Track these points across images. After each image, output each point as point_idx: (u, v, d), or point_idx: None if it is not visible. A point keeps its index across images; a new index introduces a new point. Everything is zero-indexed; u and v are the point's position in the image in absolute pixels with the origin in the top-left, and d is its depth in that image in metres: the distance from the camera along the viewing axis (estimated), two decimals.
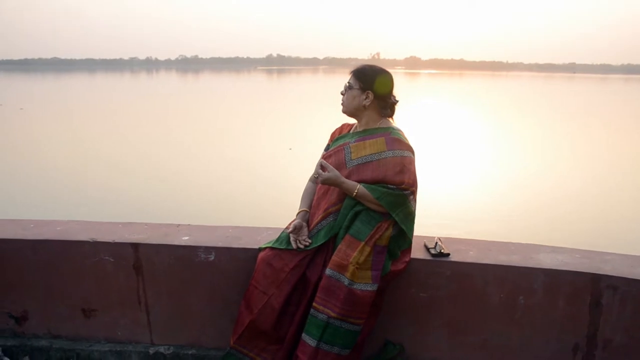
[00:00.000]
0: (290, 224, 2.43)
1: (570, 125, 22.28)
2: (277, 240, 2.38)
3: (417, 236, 2.44)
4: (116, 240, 2.58)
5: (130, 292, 2.62)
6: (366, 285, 2.15)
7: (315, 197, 2.41)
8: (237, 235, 2.64)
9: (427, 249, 2.47)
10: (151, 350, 2.67)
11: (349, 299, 2.12)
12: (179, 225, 2.80)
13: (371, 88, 2.29)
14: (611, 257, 2.42)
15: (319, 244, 2.27)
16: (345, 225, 2.23)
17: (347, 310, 2.13)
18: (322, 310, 2.15)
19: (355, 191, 2.19)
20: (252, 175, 11.47)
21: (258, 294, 2.30)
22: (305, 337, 2.19)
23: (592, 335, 2.31)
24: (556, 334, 2.35)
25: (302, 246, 2.27)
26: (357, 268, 2.14)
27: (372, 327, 2.30)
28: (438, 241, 2.49)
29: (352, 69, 2.38)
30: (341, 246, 2.19)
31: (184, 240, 2.58)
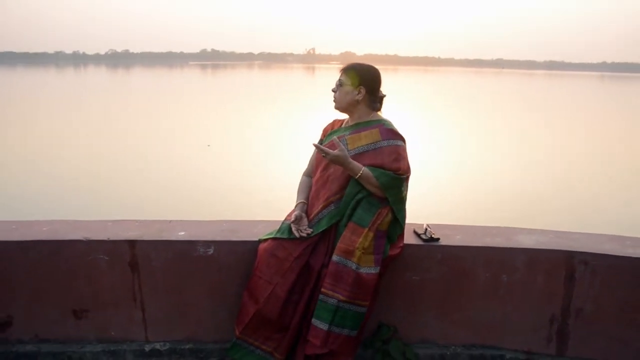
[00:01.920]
0: (289, 214, 2.52)
1: (507, 118, 23.47)
2: (279, 230, 2.46)
3: (406, 223, 2.59)
4: (111, 238, 2.56)
5: (125, 290, 2.61)
6: (370, 269, 2.29)
7: (314, 189, 2.51)
8: (234, 229, 2.69)
9: (418, 234, 2.63)
10: (147, 348, 2.67)
11: (356, 283, 2.26)
12: (170, 221, 2.81)
13: (363, 84, 2.42)
14: (579, 236, 2.68)
15: (321, 230, 2.38)
16: (348, 214, 2.34)
17: (355, 293, 2.26)
18: (332, 295, 2.27)
19: (360, 172, 2.31)
20: (176, 170, 11.41)
21: (263, 284, 2.37)
22: (315, 322, 2.29)
23: (566, 306, 2.55)
24: (535, 307, 2.58)
25: (304, 235, 2.36)
26: (362, 253, 2.27)
27: (373, 310, 2.44)
28: (427, 227, 2.65)
29: (342, 67, 2.50)
30: (346, 233, 2.31)
31: (182, 235, 2.60)
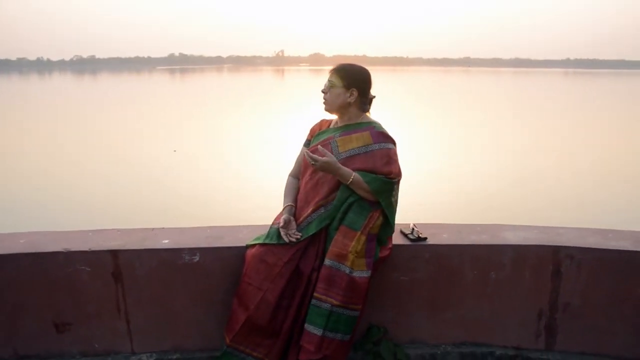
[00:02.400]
0: (276, 219, 2.48)
1: (478, 115, 23.83)
2: (267, 235, 2.41)
3: None
4: (92, 249, 2.48)
5: (109, 302, 2.53)
6: (363, 272, 2.27)
7: (303, 192, 2.47)
8: (218, 235, 2.64)
9: (405, 234, 2.63)
10: (132, 359, 2.60)
11: (349, 287, 2.23)
12: (153, 229, 2.74)
13: (355, 85, 2.38)
14: (564, 231, 2.72)
15: (310, 234, 2.34)
16: (339, 217, 2.32)
17: (348, 297, 2.24)
18: (325, 299, 2.24)
19: (351, 178, 2.28)
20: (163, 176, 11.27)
21: (253, 290, 2.33)
22: (309, 327, 2.26)
23: (554, 301, 2.58)
24: (523, 302, 2.60)
25: (293, 239, 2.33)
26: (355, 257, 2.25)
27: (364, 313, 2.42)
28: (414, 227, 2.65)
29: (333, 68, 2.43)
30: (337, 237, 2.28)
31: (165, 243, 2.54)
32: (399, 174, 2.36)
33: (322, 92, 2.42)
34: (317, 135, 2.52)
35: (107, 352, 2.61)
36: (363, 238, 2.28)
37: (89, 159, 13.54)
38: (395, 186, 2.36)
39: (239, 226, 2.75)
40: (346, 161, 2.34)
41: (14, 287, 2.48)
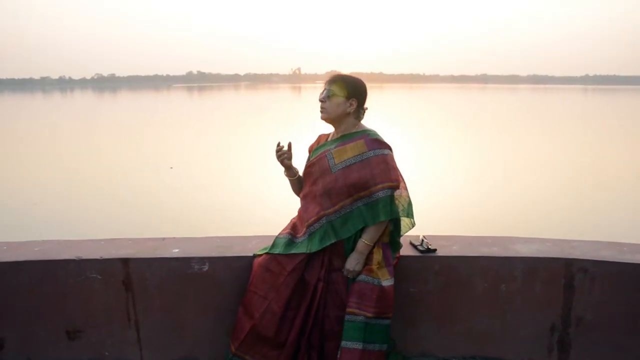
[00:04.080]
0: (282, 230, 2.51)
1: (497, 134, 23.70)
2: (273, 246, 2.43)
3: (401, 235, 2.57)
4: (104, 257, 2.52)
5: (119, 310, 2.56)
6: (388, 281, 2.32)
7: (303, 203, 2.50)
8: (228, 245, 2.66)
9: (414, 246, 2.62)
10: None
11: (380, 297, 2.28)
12: (164, 238, 2.77)
13: (355, 96, 2.39)
14: (578, 244, 2.68)
15: (314, 249, 2.35)
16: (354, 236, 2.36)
17: (380, 307, 2.28)
18: (359, 312, 2.28)
19: (369, 243, 2.34)
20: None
21: (258, 299, 2.34)
22: (347, 343, 2.27)
23: (567, 315, 2.54)
24: (535, 316, 2.56)
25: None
26: (378, 267, 2.31)
27: None
28: (423, 238, 2.64)
29: (331, 78, 2.43)
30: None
31: (175, 252, 2.56)
32: (397, 179, 2.35)
33: (321, 100, 2.40)
34: (315, 150, 2.53)
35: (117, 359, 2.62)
36: (380, 249, 2.34)
37: (106, 172, 13.73)
38: (393, 193, 2.34)
39: (249, 236, 2.76)
40: (343, 172, 2.35)
41: (28, 293, 2.52)
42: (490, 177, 12.72)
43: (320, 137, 2.61)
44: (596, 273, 2.47)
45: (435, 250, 2.56)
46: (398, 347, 2.60)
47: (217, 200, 10.40)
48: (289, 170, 2.54)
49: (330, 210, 2.37)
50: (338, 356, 2.29)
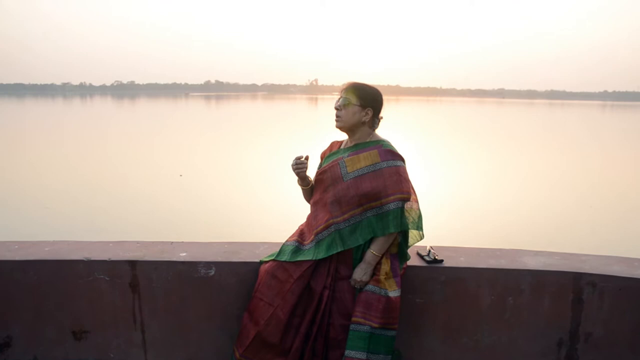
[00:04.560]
0: (290, 237, 2.51)
1: (513, 148, 23.53)
2: (280, 252, 2.44)
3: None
4: (112, 258, 2.54)
5: (125, 311, 2.58)
6: (395, 292, 2.31)
7: (313, 210, 2.50)
8: (235, 250, 2.67)
9: (421, 256, 2.60)
10: None
11: (387, 307, 2.28)
12: (172, 242, 2.79)
13: (371, 105, 2.39)
14: (587, 258, 2.64)
15: (321, 257, 2.35)
16: (364, 242, 2.34)
17: (386, 318, 2.28)
18: (364, 322, 2.27)
19: (377, 254, 2.33)
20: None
21: (264, 306, 2.34)
22: (350, 353, 2.27)
23: (575, 330, 2.50)
24: (542, 330, 2.52)
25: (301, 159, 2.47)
26: (385, 277, 2.31)
27: None
28: (430, 249, 2.62)
29: (347, 86, 2.43)
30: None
31: (183, 256, 2.58)
32: (409, 191, 2.35)
33: (336, 108, 2.40)
34: (328, 157, 2.53)
35: None
36: (388, 260, 2.35)
37: (118, 178, 13.90)
38: (404, 205, 2.34)
39: (257, 242, 2.77)
40: (355, 181, 2.34)
41: (36, 292, 2.55)
42: (502, 192, 12.62)
43: (333, 144, 2.61)
44: (605, 288, 2.44)
45: (442, 261, 2.55)
46: (403, 358, 2.57)
47: (227, 208, 10.47)
48: (303, 181, 2.55)
49: (339, 219, 2.37)
50: None
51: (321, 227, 2.39)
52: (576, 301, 2.47)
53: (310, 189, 2.58)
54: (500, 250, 2.74)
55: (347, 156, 2.42)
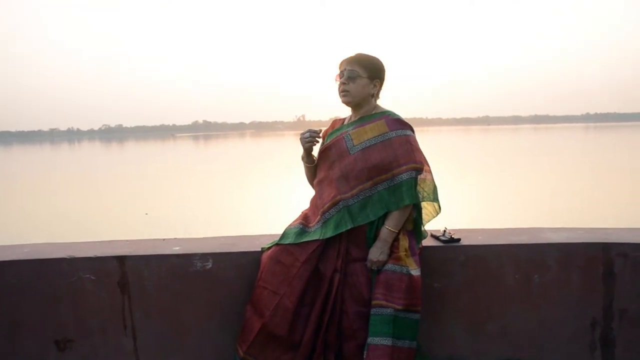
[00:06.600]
0: (293, 222, 2.30)
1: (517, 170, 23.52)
2: (283, 236, 2.22)
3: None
4: (98, 255, 2.31)
5: (114, 314, 2.33)
6: (416, 271, 2.12)
7: (318, 189, 2.29)
8: (233, 243, 2.45)
9: (436, 237, 2.40)
10: None
11: (410, 287, 2.08)
12: (164, 239, 2.56)
13: (378, 77, 2.23)
14: (613, 231, 2.46)
15: (329, 235, 2.14)
16: (376, 218, 2.15)
17: (409, 299, 2.08)
18: (387, 304, 2.06)
19: (394, 229, 2.13)
20: None
21: (268, 295, 2.11)
22: (374, 339, 2.05)
23: (608, 307, 2.29)
24: (573, 310, 2.31)
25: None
26: (405, 255, 2.11)
27: None
28: (446, 229, 2.42)
29: (351, 58, 2.24)
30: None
31: (176, 250, 2.35)
32: (422, 162, 2.17)
33: (343, 82, 2.21)
34: (330, 134, 2.34)
35: None
36: (405, 236, 2.15)
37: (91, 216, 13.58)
38: (417, 177, 2.16)
39: (256, 235, 2.55)
40: (363, 153, 2.16)
41: (13, 298, 2.30)
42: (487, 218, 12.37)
43: (334, 121, 2.43)
44: (638, 258, 2.24)
45: (459, 239, 2.35)
46: (423, 349, 2.32)
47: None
48: (309, 157, 2.34)
49: (347, 195, 2.16)
50: (365, 356, 2.04)
51: (327, 205, 2.19)
52: (607, 275, 2.27)
53: (314, 168, 2.37)
54: (519, 229, 2.55)
55: (352, 129, 2.24)
